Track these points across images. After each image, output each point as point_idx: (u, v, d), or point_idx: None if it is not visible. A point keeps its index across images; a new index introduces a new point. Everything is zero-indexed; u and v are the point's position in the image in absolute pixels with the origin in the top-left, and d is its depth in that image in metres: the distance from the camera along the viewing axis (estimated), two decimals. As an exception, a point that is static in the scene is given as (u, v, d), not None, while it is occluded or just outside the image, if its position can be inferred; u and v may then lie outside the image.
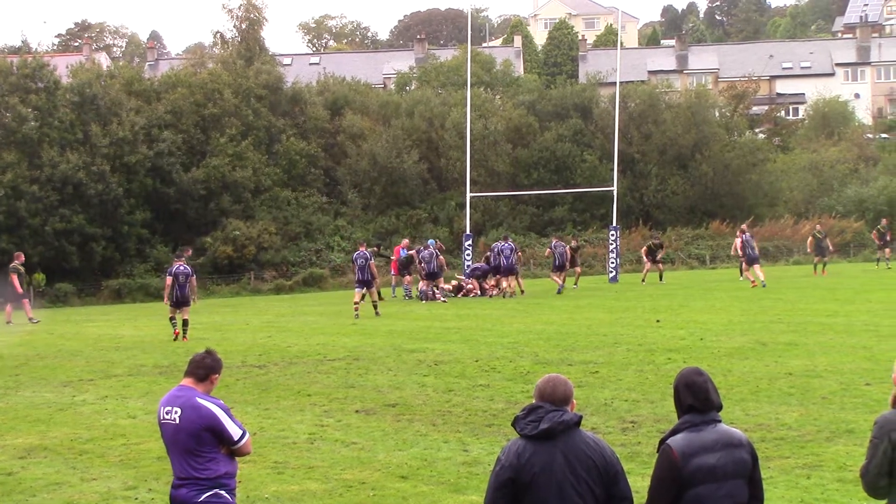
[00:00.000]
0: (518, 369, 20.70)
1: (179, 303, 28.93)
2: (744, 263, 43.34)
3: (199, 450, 8.55)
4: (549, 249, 44.21)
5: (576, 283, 44.89)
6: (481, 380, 19.63)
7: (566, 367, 20.29)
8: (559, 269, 42.78)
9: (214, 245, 59.21)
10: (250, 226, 60.44)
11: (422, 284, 41.38)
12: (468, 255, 48.73)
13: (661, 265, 47.21)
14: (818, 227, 50.61)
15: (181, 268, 29.25)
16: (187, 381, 8.82)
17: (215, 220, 61.15)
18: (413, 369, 21.32)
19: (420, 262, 41.26)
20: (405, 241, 45.58)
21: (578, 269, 46.52)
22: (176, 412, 8.60)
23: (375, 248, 45.60)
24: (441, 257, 42.04)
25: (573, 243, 46.86)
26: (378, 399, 18.13)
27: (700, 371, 6.98)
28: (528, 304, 37.27)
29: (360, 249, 36.64)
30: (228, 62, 69.08)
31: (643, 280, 46.18)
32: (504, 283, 41.47)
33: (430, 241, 43.72)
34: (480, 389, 18.62)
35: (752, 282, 40.25)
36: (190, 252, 35.50)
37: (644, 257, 47.73)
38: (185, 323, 28.82)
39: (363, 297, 35.02)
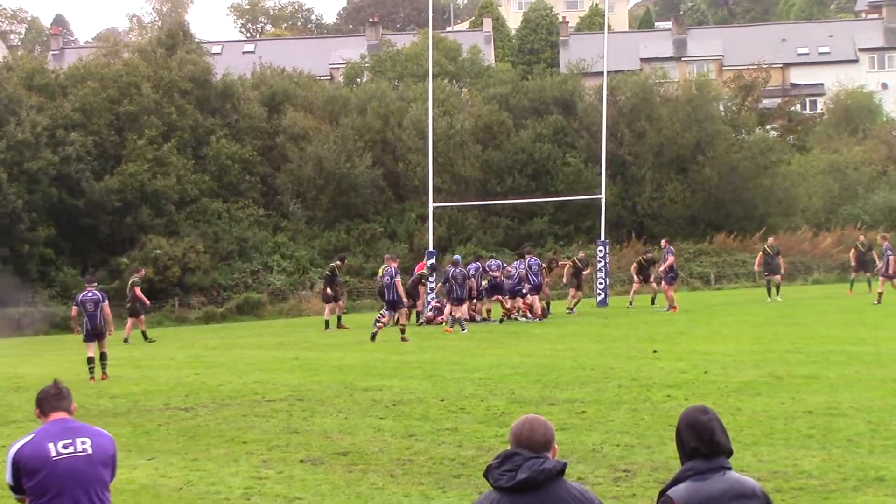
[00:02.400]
0: (491, 410, 20.69)
1: (92, 335, 28.70)
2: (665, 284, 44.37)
3: (108, 481, 9.02)
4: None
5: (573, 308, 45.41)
6: (447, 423, 19.61)
7: (547, 407, 20.30)
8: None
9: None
10: (174, 243, 60.27)
11: (452, 311, 39.21)
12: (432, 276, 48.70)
13: (654, 285, 46.86)
14: (861, 237, 50.79)
15: (90, 294, 29.03)
16: (63, 415, 9.10)
17: (133, 237, 60.99)
18: (367, 411, 21.27)
19: (451, 283, 39.02)
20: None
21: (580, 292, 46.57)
22: (84, 442, 8.96)
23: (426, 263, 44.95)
24: (472, 279, 40.98)
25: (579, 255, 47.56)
26: (326, 446, 18.08)
27: (706, 409, 6.99)
28: (502, 332, 37.28)
29: (391, 266, 35.97)
30: (147, 51, 69.14)
31: (630, 303, 46.33)
32: (530, 301, 41.92)
33: (457, 258, 42.81)
34: (447, 434, 18.61)
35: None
36: (98, 279, 35.22)
37: (634, 275, 47.63)
38: (102, 357, 28.59)
39: (396, 320, 35.75)
